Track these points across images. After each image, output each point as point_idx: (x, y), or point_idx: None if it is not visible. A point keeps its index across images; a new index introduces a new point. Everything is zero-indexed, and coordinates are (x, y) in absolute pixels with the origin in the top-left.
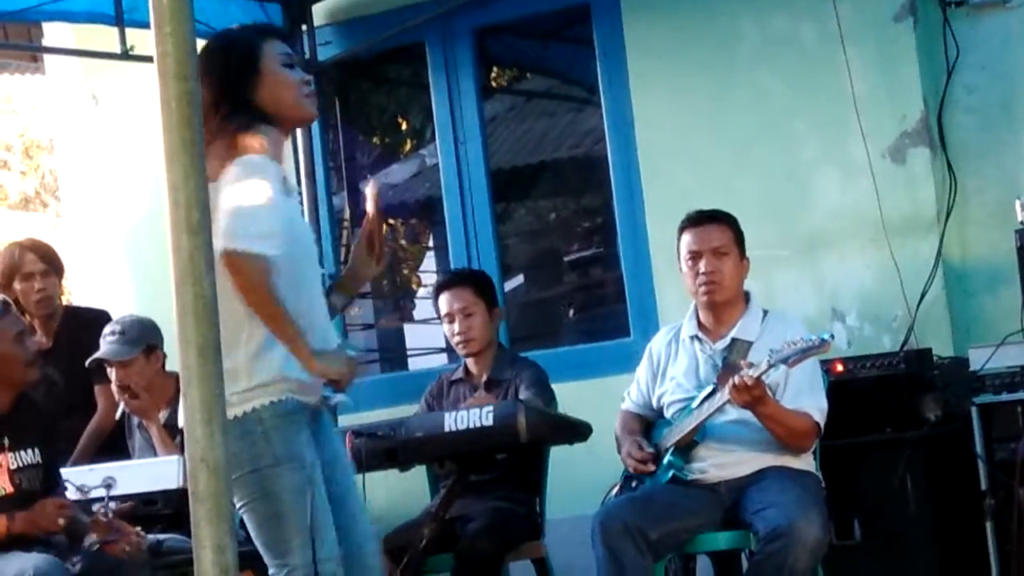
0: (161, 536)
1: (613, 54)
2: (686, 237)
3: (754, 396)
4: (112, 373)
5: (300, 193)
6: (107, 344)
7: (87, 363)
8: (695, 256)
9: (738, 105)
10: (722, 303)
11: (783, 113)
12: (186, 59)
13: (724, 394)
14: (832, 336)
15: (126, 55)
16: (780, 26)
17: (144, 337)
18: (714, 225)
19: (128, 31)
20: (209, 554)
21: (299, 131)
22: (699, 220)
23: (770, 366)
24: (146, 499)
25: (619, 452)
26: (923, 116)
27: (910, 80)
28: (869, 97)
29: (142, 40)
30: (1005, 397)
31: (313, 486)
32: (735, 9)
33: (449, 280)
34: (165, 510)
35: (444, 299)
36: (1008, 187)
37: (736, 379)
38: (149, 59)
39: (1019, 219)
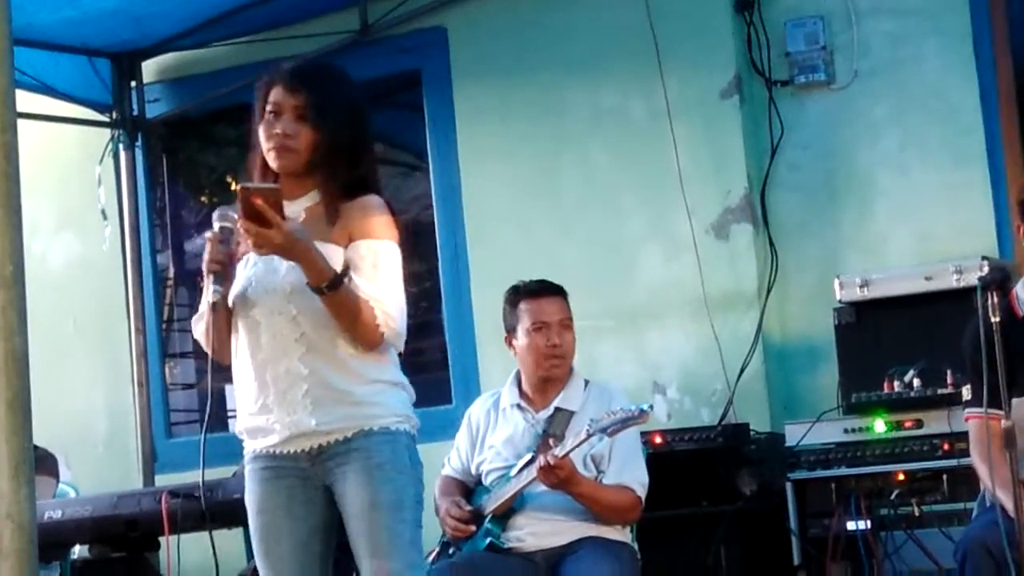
0: None
1: (443, 121)
2: (529, 307)
3: (561, 477)
4: None
5: (125, 250)
6: None
7: None
8: (543, 327)
9: (566, 176)
10: (560, 376)
11: (610, 186)
12: (4, 111)
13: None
14: (651, 407)
15: None
16: (609, 100)
17: None
18: (558, 297)
19: None
20: None
21: (124, 187)
22: (542, 291)
23: (589, 436)
24: None
25: (437, 515)
26: (747, 193)
27: (735, 157)
28: (694, 173)
29: None
30: (819, 473)
31: None
32: (565, 81)
33: None
34: None
35: None
36: (827, 265)
37: (541, 460)
38: None
39: (837, 297)
